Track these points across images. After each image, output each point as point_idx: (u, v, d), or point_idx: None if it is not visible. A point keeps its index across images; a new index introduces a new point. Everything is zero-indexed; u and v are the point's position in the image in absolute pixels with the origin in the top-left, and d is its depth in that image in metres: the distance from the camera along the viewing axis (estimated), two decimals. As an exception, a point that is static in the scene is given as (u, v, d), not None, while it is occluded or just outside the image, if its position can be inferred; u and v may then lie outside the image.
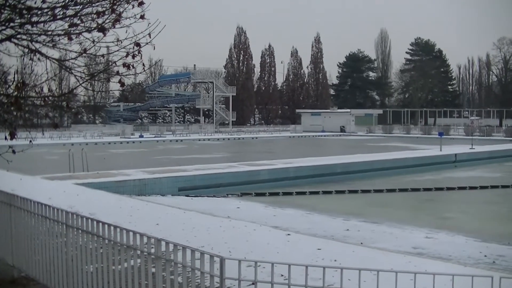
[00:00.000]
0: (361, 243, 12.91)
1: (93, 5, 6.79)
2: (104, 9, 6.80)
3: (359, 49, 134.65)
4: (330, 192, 24.79)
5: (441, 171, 34.19)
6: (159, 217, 14.45)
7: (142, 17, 6.79)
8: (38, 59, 6.98)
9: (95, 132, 73.92)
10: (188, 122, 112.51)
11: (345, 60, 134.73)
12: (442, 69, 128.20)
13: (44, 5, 6.60)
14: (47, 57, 6.97)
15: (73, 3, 6.68)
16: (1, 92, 6.85)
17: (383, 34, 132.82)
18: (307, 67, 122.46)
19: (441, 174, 32.93)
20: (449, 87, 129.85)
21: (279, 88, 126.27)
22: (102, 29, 6.78)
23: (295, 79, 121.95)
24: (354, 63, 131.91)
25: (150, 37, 6.81)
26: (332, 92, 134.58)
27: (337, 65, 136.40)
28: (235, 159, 36.27)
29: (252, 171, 27.44)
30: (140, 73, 9.06)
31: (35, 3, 6.56)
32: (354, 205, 21.93)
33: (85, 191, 19.45)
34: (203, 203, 20.74)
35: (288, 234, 12.42)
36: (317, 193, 24.61)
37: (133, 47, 6.87)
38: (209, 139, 71.63)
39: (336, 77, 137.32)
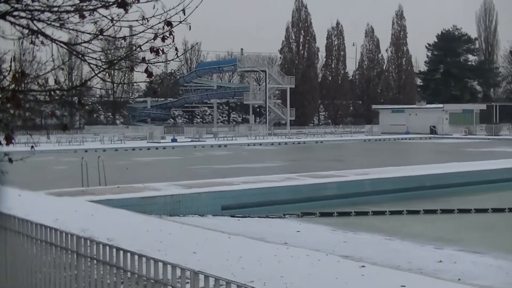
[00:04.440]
0: (459, 280, 12.70)
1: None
2: (125, -23, 6.83)
3: (455, 26, 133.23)
4: (417, 212, 24.50)
5: None
6: (197, 243, 14.49)
7: (174, -12, 6.81)
8: (42, 42, 7.04)
9: (115, 136, 74.84)
10: (234, 122, 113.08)
11: (436, 40, 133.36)
12: None
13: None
14: (52, 39, 7.03)
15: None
16: (-5, 85, 6.93)
17: (486, 5, 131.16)
18: (387, 50, 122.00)
19: None
20: None
21: (351, 77, 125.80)
22: (123, 4, 6.80)
23: (370, 65, 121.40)
24: (448, 44, 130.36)
25: (184, 14, 6.80)
26: (419, 82, 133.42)
27: (426, 47, 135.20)
28: (294, 169, 36.15)
29: (316, 185, 27.31)
30: (172, 60, 9.00)
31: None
32: (448, 229, 21.62)
33: (102, 211, 19.65)
34: (253, 225, 20.73)
35: (363, 266, 12.31)
36: (400, 213, 24.35)
37: (163, 27, 6.87)
38: (260, 144, 71.79)
39: (425, 62, 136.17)
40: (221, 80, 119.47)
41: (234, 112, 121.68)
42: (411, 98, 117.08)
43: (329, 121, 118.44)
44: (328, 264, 12.61)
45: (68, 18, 6.92)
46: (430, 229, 21.43)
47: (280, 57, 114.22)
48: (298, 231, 19.54)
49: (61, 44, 7.10)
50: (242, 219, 22.42)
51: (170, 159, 50.73)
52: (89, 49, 7.12)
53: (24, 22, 6.90)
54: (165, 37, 6.86)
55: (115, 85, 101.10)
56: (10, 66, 6.86)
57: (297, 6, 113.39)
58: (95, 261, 7.17)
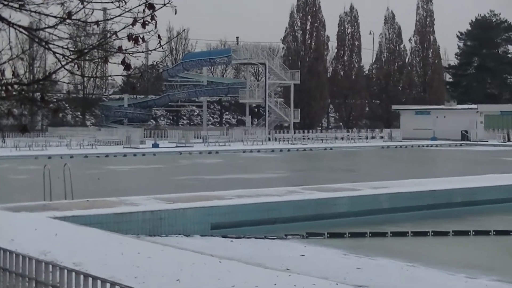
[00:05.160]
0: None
1: None
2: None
3: (492, 11, 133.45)
4: (445, 234, 24.49)
5: None
6: (182, 269, 14.47)
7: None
8: (-3, 26, 7.02)
9: (84, 139, 74.62)
10: (227, 125, 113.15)
11: (469, 28, 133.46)
12: None
13: None
14: (10, 23, 7.01)
15: None
16: None
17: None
18: (410, 40, 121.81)
19: None
20: None
21: (367, 72, 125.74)
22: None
23: (390, 58, 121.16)
24: (484, 33, 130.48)
25: (169, -5, 6.79)
26: (448, 78, 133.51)
27: (457, 37, 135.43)
28: (299, 181, 36.18)
29: (325, 200, 27.28)
30: (155, 49, 8.87)
31: None
32: (483, 254, 21.60)
33: (67, 229, 19.60)
34: (248, 248, 20.71)
35: (380, 299, 12.29)
36: (424, 234, 24.34)
37: (144, 11, 6.86)
38: (258, 151, 71.87)
39: (455, 54, 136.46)
40: (212, 74, 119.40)
41: (227, 113, 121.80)
42: (439, 97, 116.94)
43: (341, 124, 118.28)
44: (338, 295, 12.58)
45: (29, -2, 6.90)
46: (461, 254, 21.41)
47: (283, 48, 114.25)
48: (302, 255, 19.53)
49: (21, 29, 7.07)
50: (235, 240, 22.41)
51: (151, 168, 50.74)
52: (55, 35, 7.10)
53: (-25, 2, 6.87)
54: (146, 22, 6.85)
55: (85, 79, 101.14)
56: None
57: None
58: (59, 290, 7.15)
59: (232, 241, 22.21)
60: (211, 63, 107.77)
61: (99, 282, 6.65)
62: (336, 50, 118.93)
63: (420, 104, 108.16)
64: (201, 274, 14.08)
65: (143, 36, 6.94)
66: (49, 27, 7.05)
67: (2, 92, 7.16)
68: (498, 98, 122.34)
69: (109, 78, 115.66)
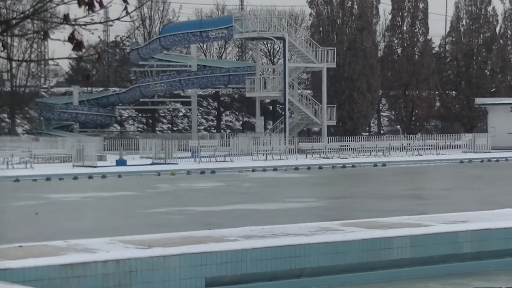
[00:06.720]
0: None
1: None
2: None
3: None
4: None
5: None
6: None
7: None
8: None
9: (14, 155, 74.59)
10: (228, 131, 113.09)
11: None
12: None
13: None
14: None
15: None
16: None
17: None
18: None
19: None
20: None
21: (437, 49, 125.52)
22: None
23: (473, 28, 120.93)
24: None
25: None
26: None
27: None
28: (335, 214, 36.20)
29: (375, 241, 27.26)
30: (119, 19, 8.64)
31: None
32: None
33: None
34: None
35: None
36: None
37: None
38: (275, 169, 72.19)
39: None
40: (205, 55, 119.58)
41: (228, 112, 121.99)
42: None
43: (398, 127, 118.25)
44: None
45: None
46: None
47: (311, 14, 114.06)
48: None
49: None
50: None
51: (114, 197, 50.74)
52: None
53: None
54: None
55: (14, 64, 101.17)
56: None
57: None
58: None
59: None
60: (203, 39, 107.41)
61: None
62: (390, 17, 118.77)
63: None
64: None
65: (101, 0, 6.98)
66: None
67: None
68: None
69: (51, 62, 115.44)
